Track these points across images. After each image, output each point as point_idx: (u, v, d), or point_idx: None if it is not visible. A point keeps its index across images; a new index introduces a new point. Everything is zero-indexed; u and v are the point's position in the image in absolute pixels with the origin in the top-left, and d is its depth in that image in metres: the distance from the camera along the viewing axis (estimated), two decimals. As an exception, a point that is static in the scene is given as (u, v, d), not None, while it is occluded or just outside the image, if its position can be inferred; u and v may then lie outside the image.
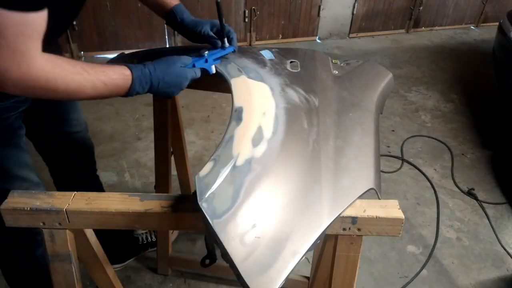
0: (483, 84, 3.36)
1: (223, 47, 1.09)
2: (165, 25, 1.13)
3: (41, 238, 0.82)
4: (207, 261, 0.81)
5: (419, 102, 3.05)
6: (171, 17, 1.12)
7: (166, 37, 3.57)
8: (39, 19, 0.73)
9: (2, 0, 0.67)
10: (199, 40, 1.12)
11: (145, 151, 2.39)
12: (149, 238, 1.75)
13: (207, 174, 0.74)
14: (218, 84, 1.07)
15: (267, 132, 0.86)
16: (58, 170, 1.44)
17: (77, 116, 1.34)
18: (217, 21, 1.09)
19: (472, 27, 4.66)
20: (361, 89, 1.12)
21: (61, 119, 1.30)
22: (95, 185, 1.54)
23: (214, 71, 1.06)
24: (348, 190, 0.78)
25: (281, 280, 0.64)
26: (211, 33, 1.09)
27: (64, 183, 1.45)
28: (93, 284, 1.42)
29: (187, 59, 0.99)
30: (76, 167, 1.43)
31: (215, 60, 1.06)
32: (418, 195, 2.17)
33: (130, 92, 0.89)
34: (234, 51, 1.13)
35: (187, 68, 0.97)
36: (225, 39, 1.10)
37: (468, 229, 1.97)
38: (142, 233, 1.75)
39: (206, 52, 1.05)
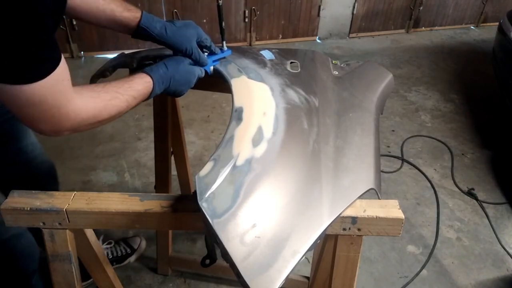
0: (483, 84, 3.36)
1: (222, 50, 1.09)
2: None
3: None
4: (207, 261, 0.81)
5: (419, 102, 3.05)
6: (142, 34, 0.97)
7: (166, 37, 3.56)
8: (62, 70, 0.71)
9: (29, 76, 0.66)
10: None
11: (145, 151, 2.39)
12: (117, 252, 1.67)
13: (207, 174, 0.74)
14: (218, 84, 1.07)
15: (267, 132, 0.86)
16: None
17: (31, 139, 1.24)
18: (201, 30, 1.02)
19: (472, 27, 4.65)
20: (361, 90, 1.12)
21: (15, 149, 1.21)
22: None
23: (211, 72, 1.07)
24: (348, 190, 0.78)
25: (281, 279, 0.64)
26: (202, 55, 1.01)
27: None
28: (93, 284, 1.42)
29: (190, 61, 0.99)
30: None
31: (214, 61, 1.07)
32: (418, 195, 2.17)
33: (151, 96, 0.90)
34: (231, 54, 1.12)
35: (193, 66, 0.98)
36: (224, 42, 1.09)
37: (468, 229, 1.97)
38: (107, 247, 1.67)
39: (206, 53, 1.06)
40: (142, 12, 0.96)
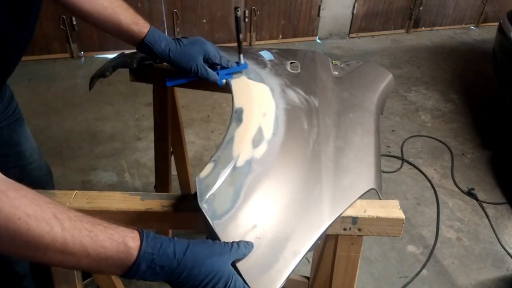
0: (483, 84, 3.36)
1: (238, 64, 1.05)
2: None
3: None
4: (208, 261, 0.81)
5: (419, 102, 3.05)
6: (146, 50, 0.96)
7: (166, 37, 3.57)
8: None
9: None
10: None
11: (145, 151, 2.39)
12: None
13: (208, 175, 0.74)
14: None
15: (267, 133, 0.86)
16: None
17: (31, 144, 1.19)
18: (209, 46, 0.98)
19: (472, 27, 4.65)
20: (361, 90, 1.12)
21: (15, 153, 1.15)
22: None
23: (223, 84, 1.03)
24: (349, 191, 0.79)
25: (281, 280, 0.64)
26: (210, 71, 0.96)
27: None
28: (93, 284, 1.42)
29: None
30: None
31: (226, 75, 1.04)
32: (418, 195, 2.17)
33: (127, 274, 0.57)
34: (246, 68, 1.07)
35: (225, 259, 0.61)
36: (241, 56, 1.04)
37: (468, 229, 1.97)
38: None
39: (219, 66, 1.02)
40: (150, 28, 0.95)
